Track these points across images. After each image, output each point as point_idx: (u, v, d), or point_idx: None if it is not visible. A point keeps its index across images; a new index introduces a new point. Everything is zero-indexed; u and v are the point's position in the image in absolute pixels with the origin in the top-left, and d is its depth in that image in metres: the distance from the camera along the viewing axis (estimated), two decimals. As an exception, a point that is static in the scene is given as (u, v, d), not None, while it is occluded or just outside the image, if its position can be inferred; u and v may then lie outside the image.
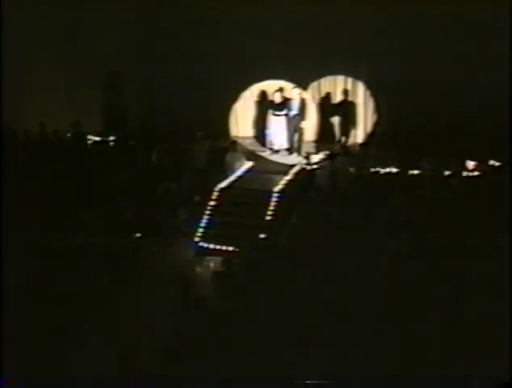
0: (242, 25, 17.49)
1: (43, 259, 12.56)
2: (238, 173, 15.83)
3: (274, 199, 14.65)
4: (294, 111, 16.90)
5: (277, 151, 17.11)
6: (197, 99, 17.59)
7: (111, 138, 17.47)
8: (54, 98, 17.67)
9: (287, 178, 15.51)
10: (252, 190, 15.00)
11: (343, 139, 17.90)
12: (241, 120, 18.54)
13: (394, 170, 15.88)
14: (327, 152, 16.83)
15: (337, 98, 18.16)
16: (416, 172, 15.68)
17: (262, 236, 13.89)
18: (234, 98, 18.32)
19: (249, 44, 17.60)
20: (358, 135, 18.27)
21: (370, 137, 18.27)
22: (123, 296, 12.07)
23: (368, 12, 17.09)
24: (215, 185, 15.05)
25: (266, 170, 16.15)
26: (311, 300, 11.29)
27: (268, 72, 17.76)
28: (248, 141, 18.14)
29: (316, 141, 18.07)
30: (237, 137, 18.20)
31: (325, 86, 18.37)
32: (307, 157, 16.52)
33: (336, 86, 18.30)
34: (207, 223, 14.41)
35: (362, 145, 17.64)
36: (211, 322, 10.64)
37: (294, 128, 16.97)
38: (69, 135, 16.97)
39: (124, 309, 11.57)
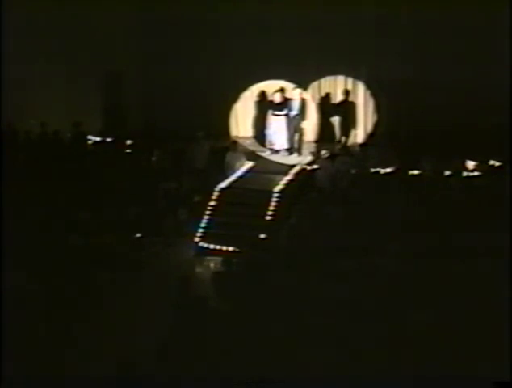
0: (242, 25, 17.49)
1: (43, 259, 12.56)
2: (238, 173, 15.82)
3: (274, 199, 14.65)
4: (294, 112, 16.90)
5: (277, 151, 17.11)
6: (197, 99, 17.59)
7: (111, 138, 17.46)
8: (54, 98, 17.68)
9: (287, 178, 15.51)
10: (252, 190, 14.99)
11: (343, 139, 17.89)
12: (241, 120, 18.53)
13: (394, 170, 15.87)
14: (327, 152, 16.83)
15: (338, 98, 18.15)
16: (416, 172, 15.68)
17: (262, 236, 13.89)
18: (234, 98, 18.32)
19: (249, 44, 17.60)
20: (359, 135, 18.26)
21: (370, 137, 18.27)
22: (124, 296, 12.07)
23: (368, 12, 17.09)
24: (215, 185, 15.04)
25: (266, 170, 16.15)
26: (311, 300, 11.29)
27: (268, 72, 17.76)
28: (248, 141, 18.13)
29: (316, 141, 18.07)
30: (237, 137, 18.19)
31: (325, 86, 18.37)
32: (317, 156, 16.55)
33: (336, 86, 18.30)
34: (207, 223, 14.40)
35: (362, 145, 17.62)
36: (212, 322, 10.65)
37: (294, 128, 16.96)
38: (69, 135, 16.96)
39: (125, 309, 11.57)
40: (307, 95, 17.68)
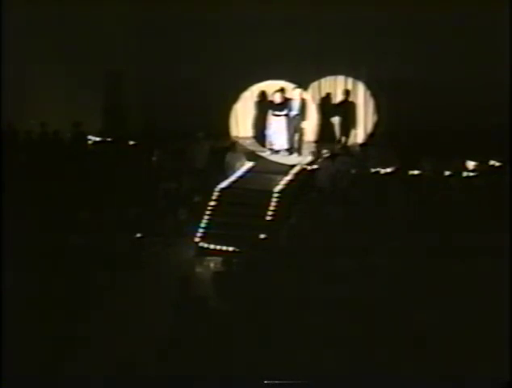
0: (242, 25, 17.49)
1: (43, 260, 12.56)
2: (238, 173, 15.83)
3: (274, 199, 14.66)
4: (294, 112, 16.90)
5: (277, 151, 17.11)
6: (197, 99, 17.58)
7: (111, 138, 17.45)
8: (54, 98, 17.69)
9: (287, 178, 15.51)
10: (252, 190, 14.99)
11: (343, 139, 17.88)
12: (242, 120, 18.52)
13: (394, 170, 15.86)
14: (327, 152, 16.84)
15: (338, 98, 18.15)
16: (416, 172, 15.68)
17: (262, 236, 13.89)
18: (234, 98, 18.32)
19: (249, 44, 17.60)
20: (359, 135, 18.26)
21: (370, 137, 18.27)
22: (124, 296, 12.07)
23: (368, 12, 17.09)
24: (215, 185, 15.05)
25: (266, 170, 16.15)
26: (311, 300, 11.29)
27: (268, 72, 17.76)
28: (248, 142, 18.13)
29: (316, 141, 18.07)
30: (237, 137, 18.21)
31: (325, 86, 18.37)
32: (317, 156, 16.56)
33: (336, 86, 18.30)
34: (207, 223, 14.40)
35: (362, 145, 17.62)
36: (212, 322, 10.65)
37: (294, 128, 16.97)
38: (69, 135, 16.95)
39: (125, 309, 11.57)
40: (307, 95, 17.68)
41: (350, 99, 17.95)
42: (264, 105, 17.79)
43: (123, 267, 12.88)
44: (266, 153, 17.19)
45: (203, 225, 14.36)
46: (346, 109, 17.91)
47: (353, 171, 15.75)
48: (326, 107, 18.20)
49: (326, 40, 17.43)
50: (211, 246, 14.04)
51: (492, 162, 16.10)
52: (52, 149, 16.50)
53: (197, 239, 14.17)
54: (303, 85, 17.58)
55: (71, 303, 11.37)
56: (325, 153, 16.78)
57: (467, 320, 11.04)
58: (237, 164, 16.13)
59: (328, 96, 18.29)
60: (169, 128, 17.26)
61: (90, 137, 17.33)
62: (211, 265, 13.55)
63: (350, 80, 18.24)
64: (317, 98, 18.29)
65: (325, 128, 18.15)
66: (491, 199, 14.46)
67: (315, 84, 18.28)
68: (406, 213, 14.13)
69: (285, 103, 16.88)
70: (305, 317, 10.94)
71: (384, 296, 11.51)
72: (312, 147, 17.61)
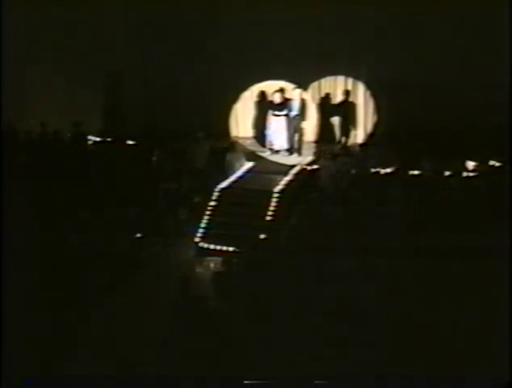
0: (242, 25, 17.49)
1: (43, 260, 12.56)
2: (238, 173, 15.83)
3: (274, 199, 14.66)
4: (294, 112, 16.90)
5: (277, 151, 17.11)
6: (197, 99, 17.59)
7: (111, 138, 17.45)
8: (54, 98, 17.69)
9: (288, 178, 15.52)
10: (252, 190, 15.00)
11: (343, 139, 17.89)
12: (242, 120, 18.53)
13: (394, 170, 15.87)
14: (327, 152, 16.84)
15: (338, 98, 18.16)
16: (416, 172, 15.68)
17: (262, 236, 13.90)
18: (234, 98, 18.32)
19: (249, 44, 17.61)
20: (359, 135, 18.27)
21: (370, 137, 18.27)
22: (124, 296, 12.07)
23: (368, 12, 17.09)
24: (215, 185, 15.06)
25: (266, 170, 16.16)
26: (311, 300, 11.29)
27: (268, 72, 17.77)
28: (248, 142, 18.13)
29: (316, 142, 18.07)
30: (237, 137, 18.21)
31: (325, 86, 18.37)
32: (317, 156, 16.55)
33: (336, 86, 18.30)
34: (207, 223, 14.41)
35: (362, 145, 17.63)
36: (211, 323, 10.65)
37: (294, 128, 16.97)
38: (69, 135, 16.95)
39: (125, 309, 11.57)
40: (307, 96, 17.68)
41: (350, 99, 17.96)
42: (264, 105, 17.80)
43: (123, 267, 12.87)
44: (266, 154, 17.19)
45: (203, 225, 14.37)
46: (346, 109, 17.92)
47: (353, 171, 15.76)
48: (326, 107, 18.21)
49: (326, 40, 17.44)
50: (211, 246, 14.04)
51: (492, 162, 16.10)
52: (52, 149, 16.51)
53: (197, 239, 14.17)
54: (303, 85, 17.59)
55: (71, 303, 11.36)
56: (325, 153, 16.78)
57: (467, 320, 11.03)
58: (237, 164, 16.14)
59: (328, 96, 18.30)
60: (169, 128, 17.27)
61: (90, 137, 17.33)
62: (211, 265, 13.56)
63: (350, 80, 18.25)
64: (317, 98, 18.29)
65: (325, 128, 18.15)
66: (491, 199, 14.46)
67: (315, 84, 18.29)
68: (406, 213, 14.13)
69: (285, 103, 16.88)
70: (305, 317, 10.94)
71: (384, 296, 11.50)
72: (312, 147, 17.61)
